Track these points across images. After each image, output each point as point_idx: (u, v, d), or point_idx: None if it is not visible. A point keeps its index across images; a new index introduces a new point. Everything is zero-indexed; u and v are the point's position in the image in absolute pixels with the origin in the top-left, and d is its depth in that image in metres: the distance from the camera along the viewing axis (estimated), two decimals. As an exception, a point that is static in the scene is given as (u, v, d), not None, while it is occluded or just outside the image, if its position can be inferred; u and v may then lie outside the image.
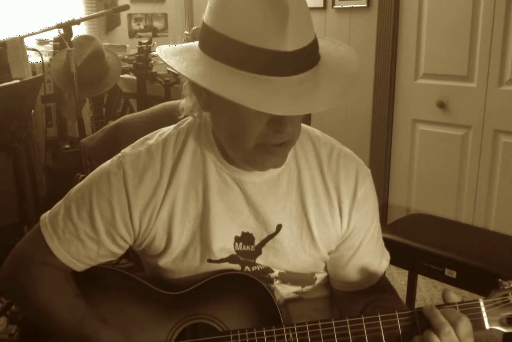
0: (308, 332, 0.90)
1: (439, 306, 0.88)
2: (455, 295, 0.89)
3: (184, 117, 1.01)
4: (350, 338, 0.89)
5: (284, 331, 0.91)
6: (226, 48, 0.79)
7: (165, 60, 0.84)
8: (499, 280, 0.90)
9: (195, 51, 0.85)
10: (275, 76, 0.78)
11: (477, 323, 0.87)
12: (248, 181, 0.97)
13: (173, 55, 0.86)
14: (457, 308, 0.87)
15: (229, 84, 0.77)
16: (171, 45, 0.90)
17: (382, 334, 0.88)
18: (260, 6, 0.76)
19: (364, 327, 0.89)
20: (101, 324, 0.94)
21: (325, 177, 1.00)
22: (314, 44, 0.82)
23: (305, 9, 0.81)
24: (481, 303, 0.88)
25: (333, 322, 0.90)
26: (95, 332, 0.93)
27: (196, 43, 0.88)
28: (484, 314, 0.87)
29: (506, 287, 0.89)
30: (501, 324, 0.87)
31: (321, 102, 0.79)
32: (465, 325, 0.84)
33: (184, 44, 0.90)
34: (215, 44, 0.81)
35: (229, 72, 0.78)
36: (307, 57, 0.80)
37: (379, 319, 0.89)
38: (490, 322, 0.87)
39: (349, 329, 0.89)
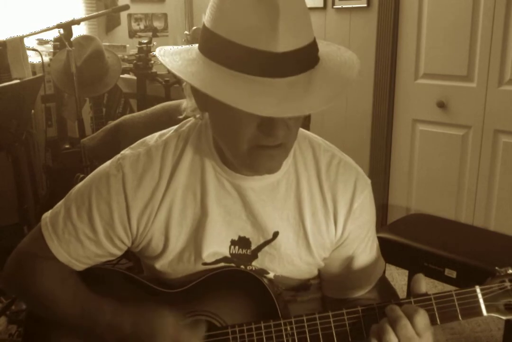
0: (306, 324, 0.91)
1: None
2: (423, 285, 0.88)
3: (185, 118, 1.01)
4: (348, 329, 0.90)
5: (282, 325, 0.91)
6: (219, 48, 0.79)
7: (160, 58, 0.84)
8: (496, 267, 0.89)
9: (194, 51, 0.85)
10: (265, 77, 0.76)
11: (474, 310, 0.86)
12: (247, 187, 0.96)
13: (172, 54, 0.85)
14: (454, 295, 0.87)
15: (218, 83, 0.76)
16: (173, 46, 0.89)
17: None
18: (253, 6, 0.75)
19: (361, 318, 0.90)
20: (104, 312, 0.94)
21: (322, 185, 0.99)
22: (311, 46, 0.80)
23: (300, 10, 0.79)
24: (478, 290, 0.87)
25: (330, 313, 0.91)
26: (99, 320, 0.93)
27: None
28: (481, 301, 0.86)
29: (502, 274, 0.88)
30: (499, 311, 0.86)
31: (309, 105, 0.76)
32: (422, 317, 0.83)
33: (187, 46, 0.90)
34: (211, 44, 0.81)
35: (220, 71, 0.78)
36: (301, 60, 0.78)
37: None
38: (487, 308, 0.86)
39: (346, 320, 0.90)
